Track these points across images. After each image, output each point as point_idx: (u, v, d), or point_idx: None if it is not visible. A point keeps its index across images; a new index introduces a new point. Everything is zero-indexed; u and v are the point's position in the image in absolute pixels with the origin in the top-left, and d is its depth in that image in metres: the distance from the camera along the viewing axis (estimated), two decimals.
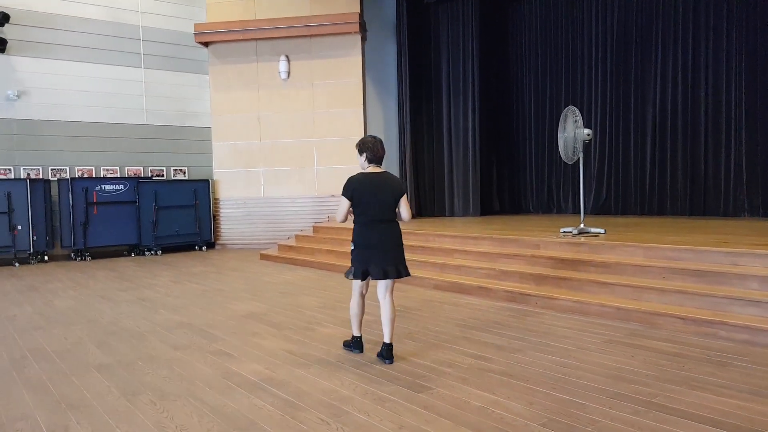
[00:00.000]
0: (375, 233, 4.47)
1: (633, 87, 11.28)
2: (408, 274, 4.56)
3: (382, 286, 4.54)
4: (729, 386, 3.71)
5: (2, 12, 11.28)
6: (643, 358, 4.33)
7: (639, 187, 11.26)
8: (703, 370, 4.03)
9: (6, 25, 11.48)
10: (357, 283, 4.62)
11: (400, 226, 4.63)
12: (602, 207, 11.73)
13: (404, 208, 4.57)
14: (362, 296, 4.68)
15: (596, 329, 5.23)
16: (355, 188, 4.44)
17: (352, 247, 4.56)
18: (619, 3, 11.39)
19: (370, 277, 4.51)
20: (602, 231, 7.55)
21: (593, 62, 11.90)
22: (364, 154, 4.53)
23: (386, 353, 4.49)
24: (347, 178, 4.50)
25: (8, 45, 11.65)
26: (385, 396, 3.73)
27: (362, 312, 4.72)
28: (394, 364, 4.40)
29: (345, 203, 4.48)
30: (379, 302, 4.58)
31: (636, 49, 11.19)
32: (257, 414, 3.51)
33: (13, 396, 3.95)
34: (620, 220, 10.28)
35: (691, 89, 10.49)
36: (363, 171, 4.55)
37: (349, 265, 4.62)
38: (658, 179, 10.97)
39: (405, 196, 4.56)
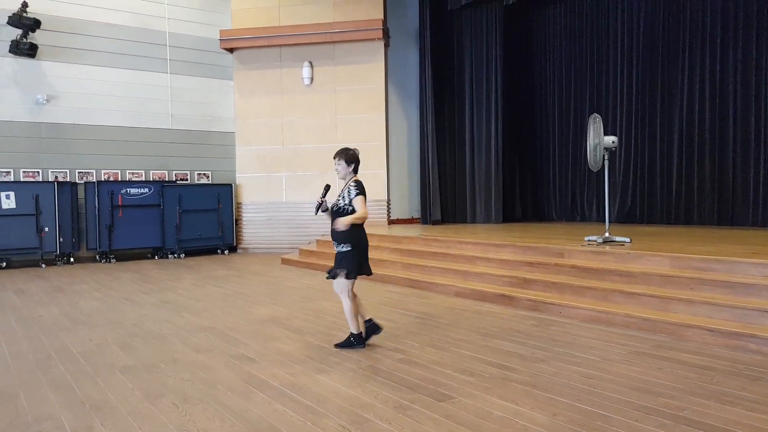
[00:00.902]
0: (366, 236, 5.07)
1: (659, 94, 11.11)
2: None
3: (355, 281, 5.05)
4: (761, 401, 3.61)
5: (34, 18, 11.51)
6: (670, 371, 4.25)
7: (665, 195, 11.07)
8: (732, 384, 3.93)
9: (37, 30, 11.71)
10: (351, 284, 4.97)
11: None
12: (627, 215, 11.56)
13: None
14: (355, 295, 5.08)
15: (622, 340, 5.14)
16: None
17: (349, 248, 4.88)
18: (646, 9, 11.25)
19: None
20: (627, 240, 7.44)
21: (619, 69, 11.76)
22: (353, 165, 4.98)
23: (368, 333, 5.06)
24: (361, 182, 4.96)
25: (39, 50, 11.88)
26: (407, 404, 3.70)
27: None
28: (415, 371, 4.36)
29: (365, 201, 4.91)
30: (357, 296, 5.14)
31: (663, 56, 11.04)
32: (279, 419, 3.50)
33: (38, 396, 4.00)
34: (646, 228, 10.13)
35: (719, 97, 10.30)
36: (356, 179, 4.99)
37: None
38: (685, 188, 10.78)
39: None
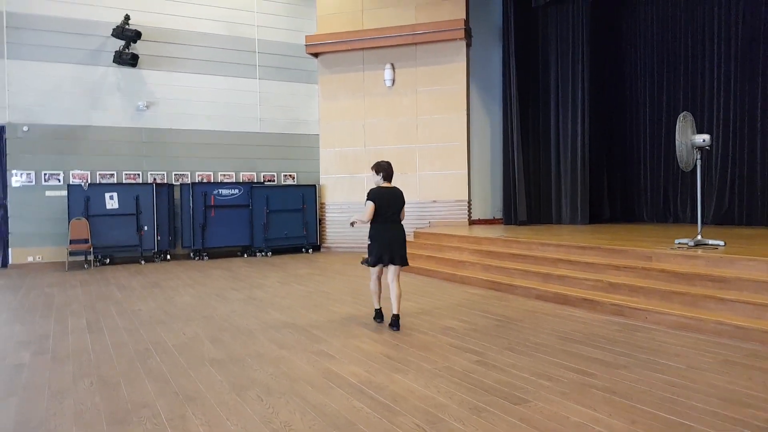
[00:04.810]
0: (388, 232, 5.95)
1: (760, 88, 10.42)
2: (408, 264, 6.08)
3: (391, 272, 6.00)
4: None
5: (135, 30, 12.31)
6: (762, 381, 4.02)
7: (766, 196, 10.39)
8: None
9: (138, 41, 12.52)
10: (374, 270, 6.08)
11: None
12: (724, 216, 10.93)
13: (402, 214, 6.10)
14: (378, 279, 6.14)
15: (711, 348, 4.91)
16: (376, 197, 5.92)
17: (370, 242, 5.99)
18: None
19: (381, 264, 5.97)
20: (721, 243, 7.06)
21: (716, 63, 11.12)
22: (381, 174, 6.03)
23: (394, 321, 5.88)
24: (373, 190, 5.96)
25: (140, 60, 12.69)
26: (482, 406, 3.72)
27: (380, 290, 6.20)
28: (492, 374, 4.37)
29: (372, 205, 5.87)
30: (389, 285, 5.99)
31: (763, 47, 10.35)
32: (356, 416, 3.61)
33: (137, 384, 4.32)
34: (744, 231, 9.55)
35: None
36: (380, 185, 6.04)
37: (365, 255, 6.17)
38: None
39: (404, 206, 6.11)
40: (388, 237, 5.92)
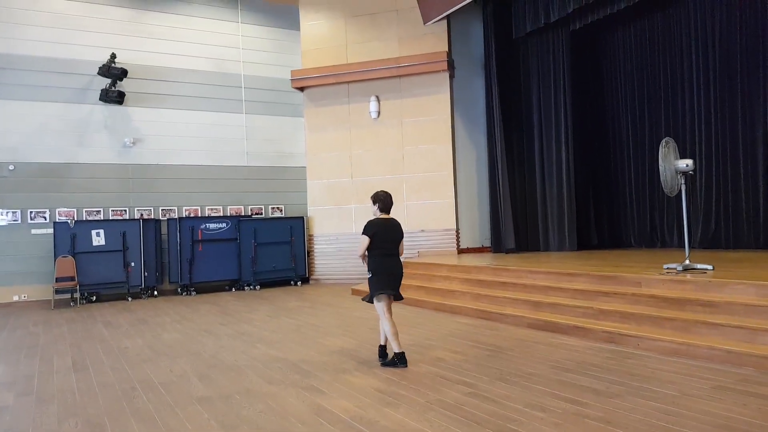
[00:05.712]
0: (389, 264, 5.70)
1: (740, 112, 10.60)
2: (402, 298, 5.91)
3: (387, 306, 5.71)
4: None
5: (121, 68, 12.38)
6: (756, 407, 4.00)
7: (751, 218, 10.48)
8: None
9: (124, 79, 12.57)
10: (383, 307, 5.66)
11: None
12: (712, 240, 10.99)
13: (401, 247, 5.86)
14: (390, 314, 5.68)
15: (704, 374, 4.89)
16: (375, 230, 5.66)
17: (370, 275, 5.69)
18: (721, 24, 10.82)
19: (391, 297, 5.70)
20: (710, 267, 7.09)
21: (695, 88, 11.32)
22: (377, 205, 5.79)
23: (384, 353, 5.79)
24: (370, 222, 5.70)
25: (126, 97, 12.73)
26: None
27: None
28: (484, 406, 4.31)
29: (366, 241, 5.63)
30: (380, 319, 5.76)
31: (741, 73, 10.55)
32: None
33: (123, 425, 4.21)
34: (731, 254, 9.61)
35: None
36: (378, 217, 5.78)
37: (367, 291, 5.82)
38: None
39: (403, 238, 5.85)
40: (389, 269, 5.67)
